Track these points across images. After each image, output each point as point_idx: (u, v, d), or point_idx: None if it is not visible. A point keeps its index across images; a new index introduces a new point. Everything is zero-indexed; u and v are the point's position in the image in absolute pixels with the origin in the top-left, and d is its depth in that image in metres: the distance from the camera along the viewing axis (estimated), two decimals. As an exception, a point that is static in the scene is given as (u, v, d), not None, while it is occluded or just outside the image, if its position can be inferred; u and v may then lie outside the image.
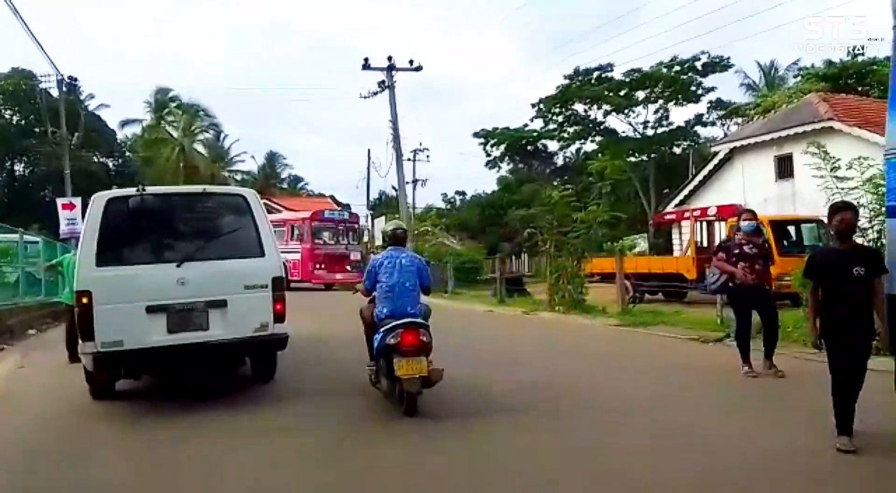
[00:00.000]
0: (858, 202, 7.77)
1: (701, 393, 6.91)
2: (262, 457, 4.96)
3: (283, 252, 21.33)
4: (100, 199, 6.42)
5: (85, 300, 6.03)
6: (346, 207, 43.78)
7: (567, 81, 38.80)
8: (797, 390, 6.72)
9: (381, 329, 5.94)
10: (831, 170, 8.59)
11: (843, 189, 8.68)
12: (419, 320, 6.02)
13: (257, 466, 4.77)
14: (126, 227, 6.47)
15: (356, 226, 30.37)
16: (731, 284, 7.25)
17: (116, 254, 6.34)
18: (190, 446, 5.30)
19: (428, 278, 6.45)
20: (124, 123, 46.74)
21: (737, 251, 7.22)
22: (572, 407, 6.24)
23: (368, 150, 42.93)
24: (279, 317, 6.63)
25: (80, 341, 6.33)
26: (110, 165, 46.92)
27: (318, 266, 26.03)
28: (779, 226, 16.00)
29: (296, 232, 27.30)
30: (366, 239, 33.69)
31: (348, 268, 26.41)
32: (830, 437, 4.66)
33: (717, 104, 39.42)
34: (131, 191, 6.66)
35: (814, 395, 5.61)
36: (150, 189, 6.79)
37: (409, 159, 40.53)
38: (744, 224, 7.44)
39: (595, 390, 7.03)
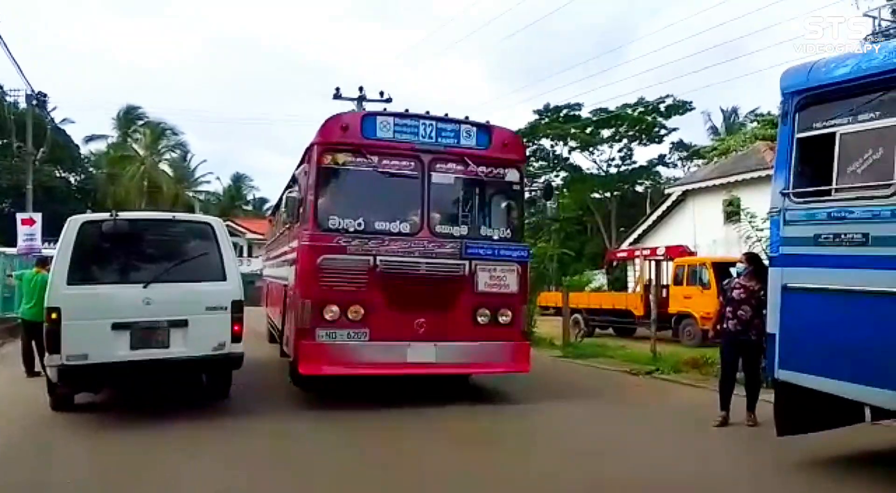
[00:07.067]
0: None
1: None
2: (216, 461, 5.47)
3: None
4: (75, 222, 6.88)
5: (54, 316, 6.44)
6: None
7: (536, 116, 40.02)
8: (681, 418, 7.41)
9: None
10: (750, 221, 9.32)
11: (760, 239, 9.21)
12: None
13: (211, 468, 5.26)
14: (98, 249, 6.92)
15: (512, 175, 8.47)
16: (718, 327, 7.07)
17: (87, 274, 6.79)
18: (148, 451, 5.73)
19: None
20: (89, 139, 46.08)
21: (728, 295, 6.96)
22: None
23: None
24: (236, 337, 7.09)
25: (46, 354, 6.74)
26: (72, 180, 46.37)
27: (327, 315, 7.32)
28: (720, 267, 16.89)
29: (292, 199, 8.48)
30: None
31: (480, 320, 7.82)
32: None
33: (679, 146, 41.10)
34: (105, 215, 7.12)
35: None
36: (123, 215, 7.21)
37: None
38: (736, 267, 7.26)
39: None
